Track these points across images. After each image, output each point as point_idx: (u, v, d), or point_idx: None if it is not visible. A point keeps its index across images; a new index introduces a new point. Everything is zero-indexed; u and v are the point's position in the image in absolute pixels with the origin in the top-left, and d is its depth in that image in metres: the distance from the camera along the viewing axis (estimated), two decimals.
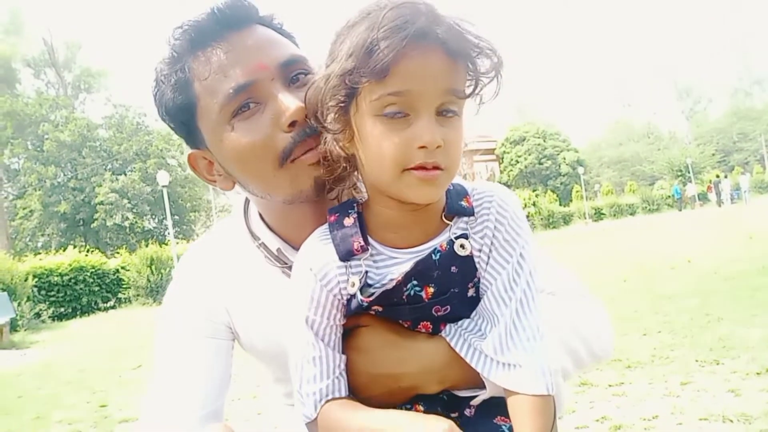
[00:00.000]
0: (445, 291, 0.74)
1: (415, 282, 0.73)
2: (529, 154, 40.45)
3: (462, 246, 0.73)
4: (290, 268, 0.86)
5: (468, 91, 0.68)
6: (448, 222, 0.75)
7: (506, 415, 0.73)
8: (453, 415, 0.76)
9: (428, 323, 0.77)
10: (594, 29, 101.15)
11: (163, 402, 0.87)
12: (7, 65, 34.94)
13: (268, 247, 0.89)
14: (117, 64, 75.63)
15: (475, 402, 0.77)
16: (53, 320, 13.27)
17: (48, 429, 4.28)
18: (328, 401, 0.74)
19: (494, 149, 41.32)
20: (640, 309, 5.83)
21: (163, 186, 15.48)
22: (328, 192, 0.80)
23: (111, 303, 15.71)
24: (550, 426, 0.69)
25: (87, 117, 32.18)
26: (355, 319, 0.78)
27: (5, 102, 29.64)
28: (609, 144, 54.86)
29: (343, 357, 0.76)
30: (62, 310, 14.24)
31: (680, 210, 31.39)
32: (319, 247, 0.75)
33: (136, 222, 27.61)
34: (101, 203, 26.80)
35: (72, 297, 14.64)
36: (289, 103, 0.76)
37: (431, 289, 0.73)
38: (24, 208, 27.99)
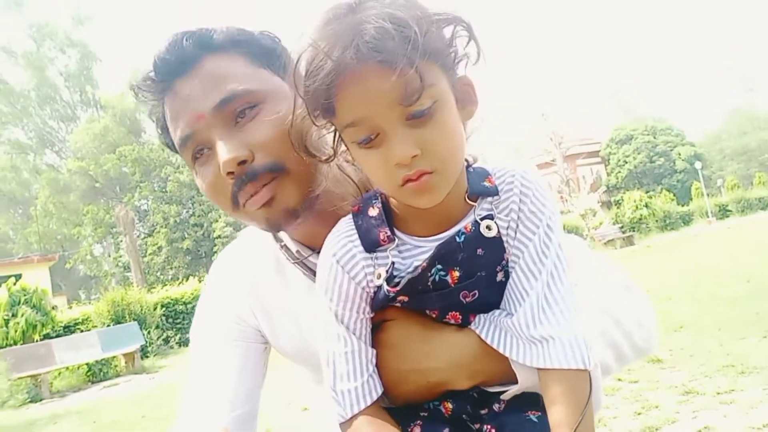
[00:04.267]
0: (472, 275, 0.72)
1: (439, 266, 0.71)
2: (639, 153, 37.97)
3: (488, 227, 0.71)
4: (309, 268, 0.89)
5: (433, 80, 0.62)
6: (472, 203, 0.73)
7: (537, 408, 0.70)
8: (482, 412, 0.74)
9: (457, 313, 0.74)
10: (704, 10, 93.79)
11: (194, 404, 0.90)
12: (133, 117, 38.83)
13: (290, 249, 0.90)
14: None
15: (505, 396, 0.74)
16: (180, 346, 14.33)
17: None
18: (361, 412, 0.72)
19: (598, 151, 39.30)
20: (762, 311, 5.26)
21: None
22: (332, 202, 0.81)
23: None
24: (583, 404, 0.66)
25: None
26: (381, 314, 0.76)
27: (133, 150, 32.95)
28: (730, 134, 50.22)
29: (374, 351, 0.75)
30: (187, 336, 15.28)
31: None
32: (344, 239, 0.74)
33: None
34: (219, 237, 28.76)
35: None
36: (222, 153, 0.75)
37: (457, 273, 0.71)
38: (153, 245, 30.73)
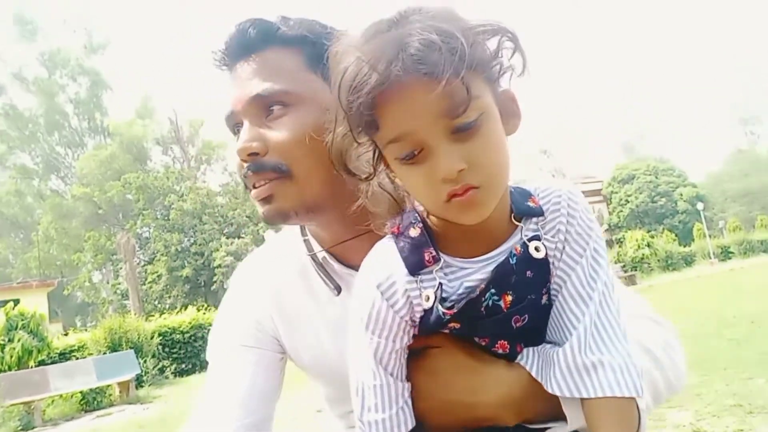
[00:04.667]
0: (523, 298, 0.69)
1: (493, 290, 0.68)
2: (640, 193, 38.10)
3: (536, 248, 0.69)
4: (333, 279, 0.89)
5: (478, 92, 0.61)
6: (517, 224, 0.70)
7: None
8: None
9: (506, 342, 0.71)
10: (708, 49, 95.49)
11: (206, 408, 0.88)
12: (140, 145, 39.25)
13: (317, 258, 0.91)
14: (231, 136, 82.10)
15: None
16: (175, 376, 14.12)
17: None
18: None
19: (600, 190, 39.47)
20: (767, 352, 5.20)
21: None
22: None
23: None
24: None
25: (207, 186, 35.08)
26: (424, 339, 0.72)
27: (138, 177, 33.15)
28: (732, 176, 50.43)
29: (407, 385, 0.72)
30: (183, 366, 15.14)
31: None
32: (383, 262, 0.71)
33: None
34: (219, 266, 28.65)
35: (192, 353, 15.55)
36: (241, 140, 0.81)
37: (509, 297, 0.68)
38: (153, 273, 30.59)
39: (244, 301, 0.95)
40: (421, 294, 0.69)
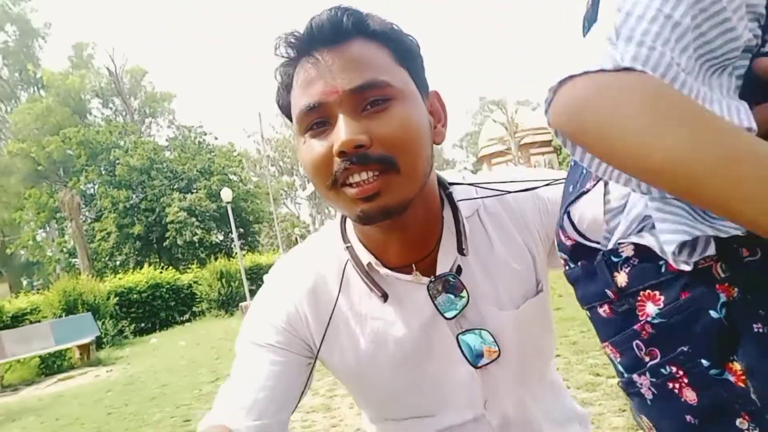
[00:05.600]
0: None
1: None
2: None
3: None
4: (376, 283, 0.85)
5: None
6: None
7: None
8: None
9: None
10: None
11: (221, 404, 0.86)
12: (78, 97, 37.19)
13: (361, 260, 0.88)
14: (178, 88, 78.72)
15: None
16: (135, 335, 13.98)
17: None
18: None
19: (551, 141, 40.35)
20: None
21: (227, 202, 16.02)
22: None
23: (186, 316, 16.41)
24: None
25: (153, 140, 33.79)
26: None
27: (78, 132, 31.55)
28: None
29: None
30: (143, 325, 14.99)
31: None
32: None
33: (204, 237, 28.64)
34: (171, 222, 27.99)
35: (151, 312, 15.39)
36: (341, 133, 0.75)
37: None
38: (101, 231, 29.61)
39: (279, 299, 0.91)
40: None
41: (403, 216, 0.79)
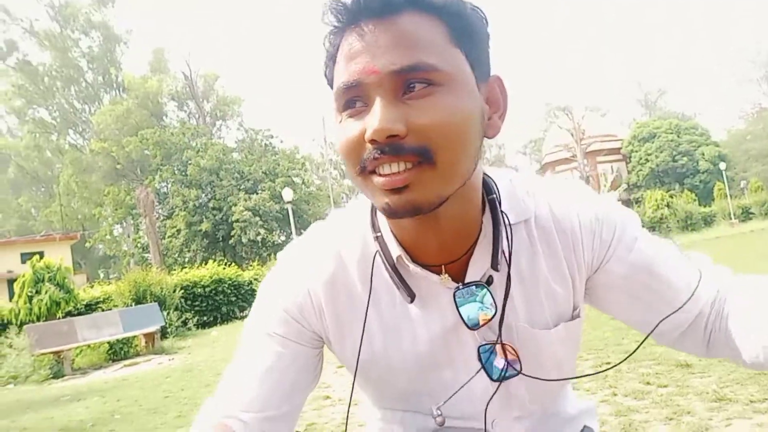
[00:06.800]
0: None
1: None
2: (661, 152, 37.46)
3: None
4: (403, 280, 0.79)
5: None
6: None
7: None
8: None
9: None
10: (731, 7, 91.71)
11: (223, 394, 0.83)
12: (155, 100, 39.22)
13: (390, 252, 0.80)
14: (247, 92, 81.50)
15: None
16: (197, 328, 14.52)
17: (188, 427, 4.69)
18: None
19: (620, 148, 38.85)
20: None
21: (288, 202, 16.41)
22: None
23: (246, 312, 16.88)
24: None
25: (223, 142, 35.16)
26: None
27: (155, 133, 33.34)
28: (756, 135, 49.27)
29: None
30: (205, 318, 15.55)
31: None
32: None
33: (267, 237, 29.49)
34: (237, 221, 29.02)
35: (213, 306, 15.94)
36: (377, 120, 0.67)
37: None
38: (172, 227, 31.08)
39: (292, 285, 0.84)
40: None
41: (435, 214, 0.72)
